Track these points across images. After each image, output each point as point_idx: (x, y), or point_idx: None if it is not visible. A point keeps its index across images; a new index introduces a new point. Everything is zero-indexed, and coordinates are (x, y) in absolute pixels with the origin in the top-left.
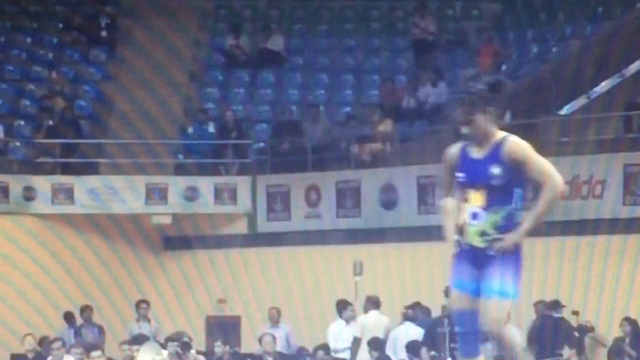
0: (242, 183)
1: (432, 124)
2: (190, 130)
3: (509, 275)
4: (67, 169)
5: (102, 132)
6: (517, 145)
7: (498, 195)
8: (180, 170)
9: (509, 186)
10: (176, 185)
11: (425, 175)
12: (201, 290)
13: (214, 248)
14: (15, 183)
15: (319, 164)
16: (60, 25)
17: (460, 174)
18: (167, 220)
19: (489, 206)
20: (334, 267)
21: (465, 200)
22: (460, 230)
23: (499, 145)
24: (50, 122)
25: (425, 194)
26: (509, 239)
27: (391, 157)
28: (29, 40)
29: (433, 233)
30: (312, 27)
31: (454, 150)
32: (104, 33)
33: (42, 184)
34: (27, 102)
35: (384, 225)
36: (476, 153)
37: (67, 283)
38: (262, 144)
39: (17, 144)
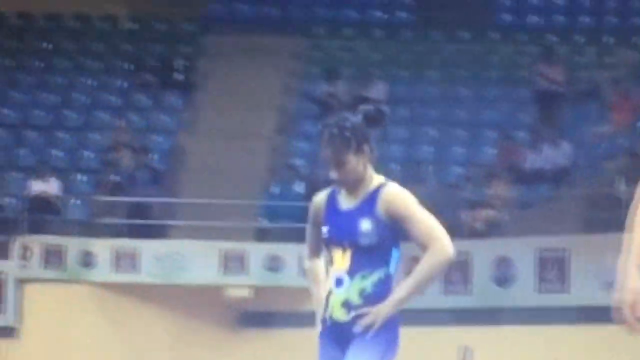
0: None
1: (556, 188)
2: (275, 189)
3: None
4: (131, 232)
5: (174, 189)
6: (397, 196)
7: (368, 258)
8: (262, 236)
9: (384, 247)
10: (257, 253)
11: (546, 247)
12: None
13: (298, 326)
14: (72, 246)
15: None
16: (130, 66)
17: (324, 229)
18: (246, 293)
19: (355, 270)
20: (438, 352)
21: (330, 262)
22: (325, 302)
23: (373, 195)
24: (116, 178)
25: (545, 270)
26: (378, 313)
27: (508, 225)
28: (92, 82)
29: (555, 315)
30: (420, 73)
31: (321, 197)
32: (179, 76)
33: (103, 248)
34: (89, 154)
35: (498, 305)
36: (345, 203)
37: None
38: None
39: (76, 201)
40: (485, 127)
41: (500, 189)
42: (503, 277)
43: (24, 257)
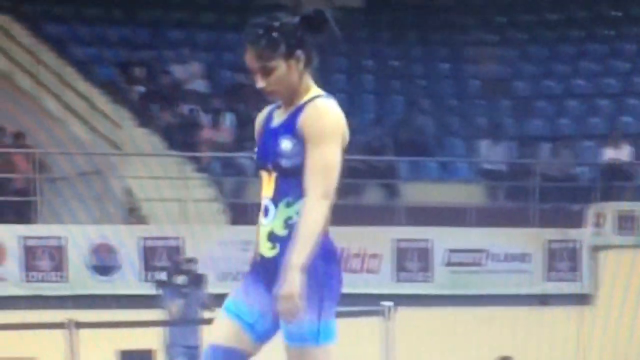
0: None
1: None
2: None
3: (316, 310)
4: None
5: None
6: (315, 113)
7: (292, 182)
8: None
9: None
10: None
11: None
12: None
13: None
14: None
15: None
16: None
17: (256, 150)
18: None
19: (279, 197)
20: None
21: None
22: (256, 236)
23: (300, 109)
24: None
25: None
26: (288, 296)
27: None
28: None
29: None
30: None
31: (262, 115)
32: None
33: None
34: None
35: None
36: (277, 119)
37: None
38: None
39: None
40: None
41: None
42: None
43: (597, 224)
